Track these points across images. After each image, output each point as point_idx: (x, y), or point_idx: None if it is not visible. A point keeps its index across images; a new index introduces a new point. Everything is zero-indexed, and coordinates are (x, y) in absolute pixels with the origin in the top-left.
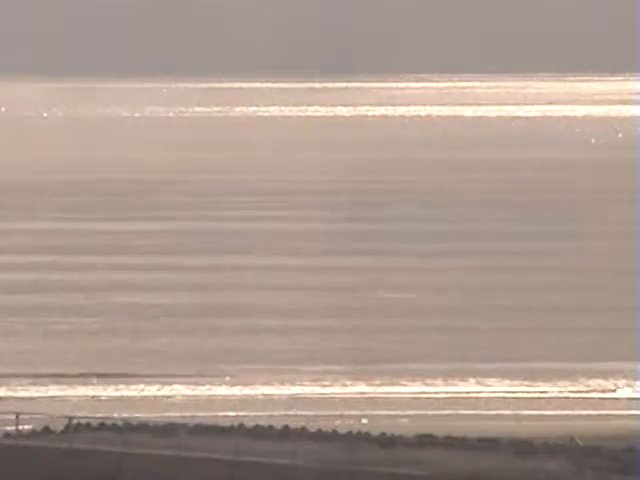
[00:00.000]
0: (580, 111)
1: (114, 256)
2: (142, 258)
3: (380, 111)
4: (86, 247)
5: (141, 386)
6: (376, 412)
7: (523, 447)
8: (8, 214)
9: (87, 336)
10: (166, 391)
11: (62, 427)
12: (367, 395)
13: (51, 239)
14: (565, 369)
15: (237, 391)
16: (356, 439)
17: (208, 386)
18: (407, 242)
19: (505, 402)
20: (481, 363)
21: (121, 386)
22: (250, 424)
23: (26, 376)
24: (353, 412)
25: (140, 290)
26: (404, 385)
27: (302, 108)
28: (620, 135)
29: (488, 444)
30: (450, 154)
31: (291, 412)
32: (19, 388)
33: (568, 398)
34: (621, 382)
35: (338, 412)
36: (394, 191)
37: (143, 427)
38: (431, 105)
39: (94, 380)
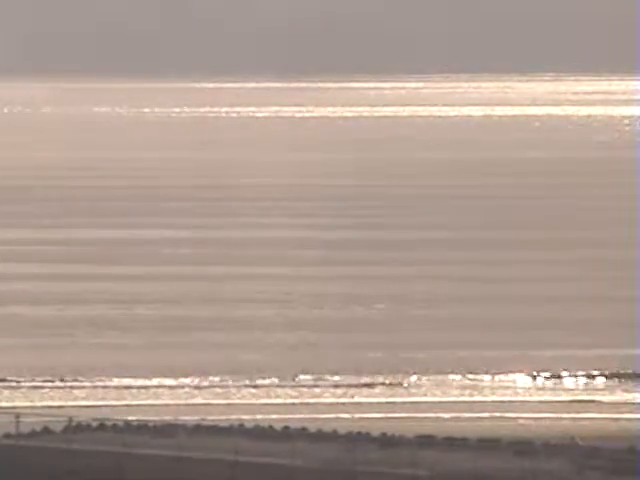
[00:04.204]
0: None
1: (105, 266)
2: (134, 268)
3: (380, 111)
4: (76, 256)
5: (143, 391)
6: (376, 414)
7: (523, 447)
8: None
9: (90, 344)
10: (170, 399)
11: (62, 427)
12: (368, 401)
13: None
14: (565, 374)
15: (238, 400)
16: (356, 439)
17: (210, 391)
18: (403, 250)
19: (506, 406)
20: (481, 372)
21: (123, 391)
22: (250, 424)
23: (27, 381)
24: (353, 414)
25: (127, 302)
26: (404, 393)
27: (302, 108)
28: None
29: (488, 444)
30: (450, 155)
31: (291, 414)
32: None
33: (570, 402)
34: (621, 386)
35: (338, 415)
36: (394, 196)
37: (143, 427)
38: (431, 105)
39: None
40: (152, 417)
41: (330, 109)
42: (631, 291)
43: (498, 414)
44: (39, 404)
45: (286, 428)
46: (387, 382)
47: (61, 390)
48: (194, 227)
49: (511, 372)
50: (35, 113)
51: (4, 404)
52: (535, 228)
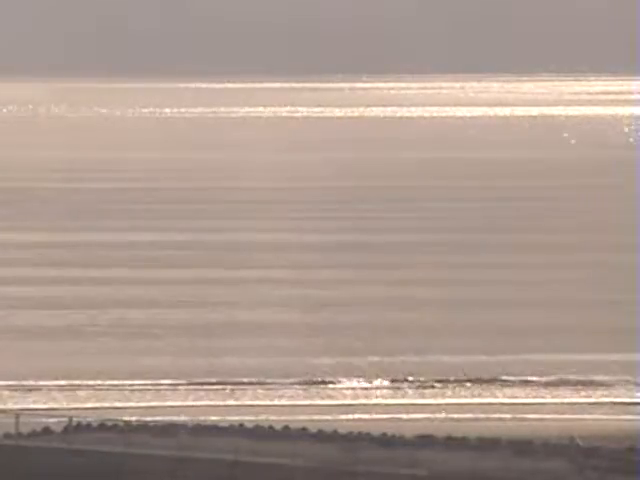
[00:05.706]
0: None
1: (106, 269)
2: (133, 271)
3: (380, 111)
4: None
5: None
6: (376, 414)
7: (523, 447)
8: None
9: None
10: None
11: (62, 427)
12: (368, 402)
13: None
14: (563, 378)
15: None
16: (356, 439)
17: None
18: (403, 252)
19: (506, 407)
20: (480, 373)
21: (126, 393)
22: (250, 424)
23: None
24: (354, 415)
25: (127, 304)
26: (403, 393)
27: (302, 108)
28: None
29: (488, 444)
30: (450, 155)
31: (291, 414)
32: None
33: (570, 404)
34: (621, 387)
35: (338, 415)
36: (395, 198)
37: (143, 427)
38: (430, 105)
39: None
40: (152, 417)
41: (330, 109)
42: (631, 295)
43: (498, 414)
44: (39, 404)
45: (286, 428)
46: (387, 383)
47: (61, 390)
48: (194, 230)
49: (510, 373)
50: (35, 113)
51: (4, 404)
52: (535, 230)
